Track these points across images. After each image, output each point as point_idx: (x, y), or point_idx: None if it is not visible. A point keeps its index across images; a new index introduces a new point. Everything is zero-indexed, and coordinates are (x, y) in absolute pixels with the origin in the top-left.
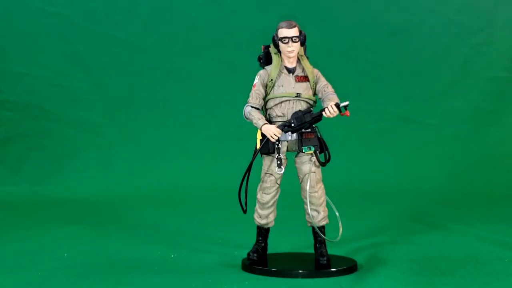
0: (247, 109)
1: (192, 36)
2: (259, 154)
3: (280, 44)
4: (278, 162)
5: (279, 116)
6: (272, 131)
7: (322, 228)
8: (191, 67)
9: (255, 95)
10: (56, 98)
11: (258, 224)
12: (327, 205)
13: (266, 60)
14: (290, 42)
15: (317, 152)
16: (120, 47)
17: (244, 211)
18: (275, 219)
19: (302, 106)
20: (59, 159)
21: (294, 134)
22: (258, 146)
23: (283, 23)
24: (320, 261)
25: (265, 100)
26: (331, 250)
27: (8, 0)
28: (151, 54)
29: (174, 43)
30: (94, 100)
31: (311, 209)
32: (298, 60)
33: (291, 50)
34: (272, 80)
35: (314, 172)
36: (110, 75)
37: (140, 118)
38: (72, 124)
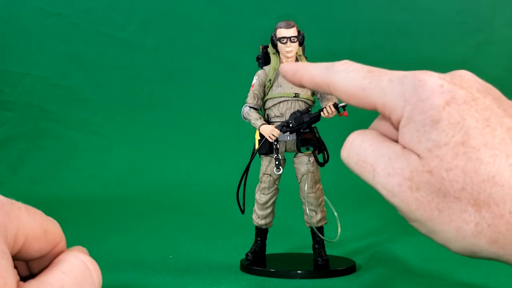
0: (245, 109)
1: (192, 36)
2: (257, 155)
3: (278, 44)
4: (277, 163)
5: (277, 116)
6: (270, 132)
7: (320, 229)
8: (191, 67)
9: (253, 96)
10: (56, 98)
11: (257, 224)
12: (326, 205)
13: (264, 60)
14: (289, 42)
15: (316, 152)
16: (120, 47)
17: (242, 212)
18: (274, 220)
19: (300, 106)
20: (59, 159)
21: (293, 134)
22: (257, 146)
23: (281, 23)
24: (318, 262)
25: (264, 100)
26: (329, 251)
27: (8, 0)
28: (151, 54)
29: (174, 43)
30: (94, 100)
31: (309, 209)
32: (297, 60)
33: (289, 50)
34: (270, 80)
35: (313, 173)
36: (110, 75)
37: (140, 118)
38: (72, 124)
